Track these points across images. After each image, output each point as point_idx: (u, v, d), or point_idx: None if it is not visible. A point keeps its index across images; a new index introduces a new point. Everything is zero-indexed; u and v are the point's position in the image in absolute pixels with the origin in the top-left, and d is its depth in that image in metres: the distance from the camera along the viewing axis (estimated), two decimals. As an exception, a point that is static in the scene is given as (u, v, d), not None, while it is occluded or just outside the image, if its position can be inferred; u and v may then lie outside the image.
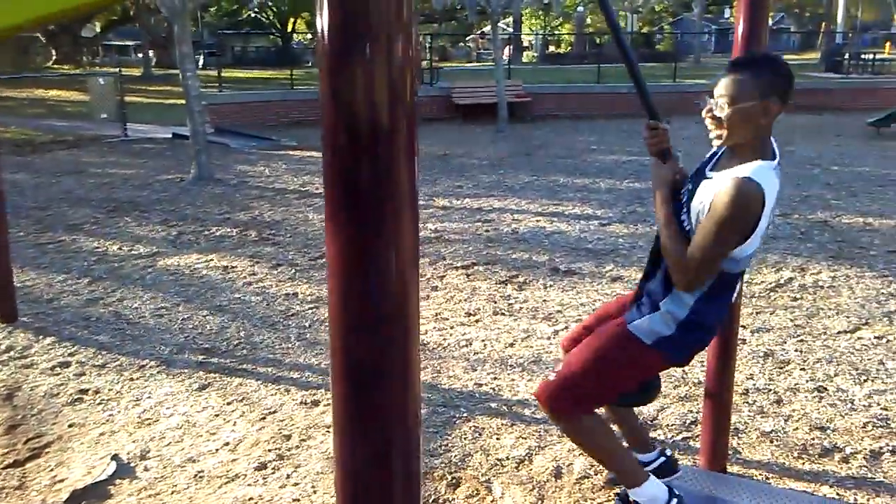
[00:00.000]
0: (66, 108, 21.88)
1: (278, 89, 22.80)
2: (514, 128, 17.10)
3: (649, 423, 4.09)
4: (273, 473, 3.70)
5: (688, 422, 4.11)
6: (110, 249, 7.81)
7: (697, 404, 4.23)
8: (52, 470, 3.81)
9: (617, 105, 19.13)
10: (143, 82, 31.34)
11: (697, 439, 3.84)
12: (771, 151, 2.36)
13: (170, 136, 16.16)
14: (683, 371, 4.64)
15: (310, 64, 37.01)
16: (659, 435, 3.98)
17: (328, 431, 4.03)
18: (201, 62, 31.06)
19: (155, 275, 6.96)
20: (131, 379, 4.79)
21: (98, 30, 42.66)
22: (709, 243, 2.25)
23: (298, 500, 3.48)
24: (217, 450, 3.94)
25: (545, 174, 11.91)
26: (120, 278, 6.83)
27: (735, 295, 2.62)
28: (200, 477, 3.68)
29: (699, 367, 4.68)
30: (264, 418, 4.26)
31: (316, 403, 4.42)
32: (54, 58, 38.93)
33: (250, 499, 3.49)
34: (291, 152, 14.75)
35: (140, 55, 41.85)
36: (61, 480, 3.70)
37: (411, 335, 1.24)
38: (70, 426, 4.24)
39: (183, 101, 12.04)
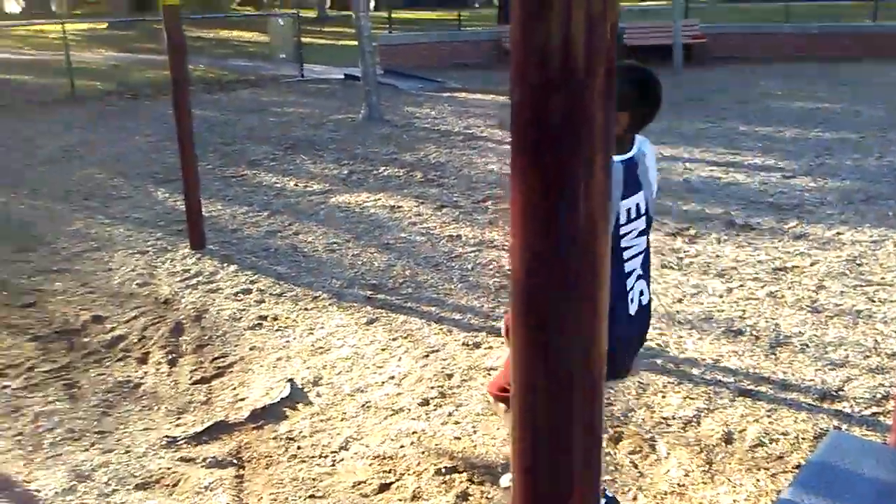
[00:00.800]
0: (248, 48, 23.06)
1: (446, 30, 22.85)
2: (689, 71, 16.19)
3: (833, 393, 3.80)
4: (435, 410, 3.79)
5: (878, 396, 3.77)
6: (287, 185, 8.21)
7: (890, 377, 3.87)
8: (234, 389, 4.10)
9: (807, 47, 17.61)
10: (319, 24, 32.42)
11: (888, 415, 3.52)
12: (625, 149, 2.44)
13: (342, 76, 16.65)
14: (875, 340, 4.26)
15: (476, 5, 36.75)
16: (844, 408, 3.69)
17: (489, 373, 4.06)
18: (373, 3, 31.64)
19: (327, 211, 7.25)
20: (305, 309, 5.05)
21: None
22: None
23: (459, 438, 3.54)
24: (383, 382, 4.08)
25: (722, 121, 11.21)
26: (296, 213, 7.18)
27: (626, 282, 2.54)
28: (368, 407, 3.83)
29: (894, 336, 4.28)
30: (427, 356, 4.35)
31: (477, 345, 4.46)
32: None
33: (413, 432, 3.59)
34: (457, 94, 14.79)
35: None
36: (242, 399, 3.98)
37: (599, 273, 1.16)
38: (251, 349, 4.53)
39: (355, 43, 12.31)
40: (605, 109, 1.13)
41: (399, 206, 7.31)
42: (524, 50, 1.09)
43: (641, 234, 2.55)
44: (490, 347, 4.42)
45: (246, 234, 6.62)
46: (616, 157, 2.33)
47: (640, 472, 3.27)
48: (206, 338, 4.71)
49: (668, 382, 3.97)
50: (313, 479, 3.27)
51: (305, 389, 4.02)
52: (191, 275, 5.70)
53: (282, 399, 3.92)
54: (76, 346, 4.65)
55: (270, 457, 3.44)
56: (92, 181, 8.37)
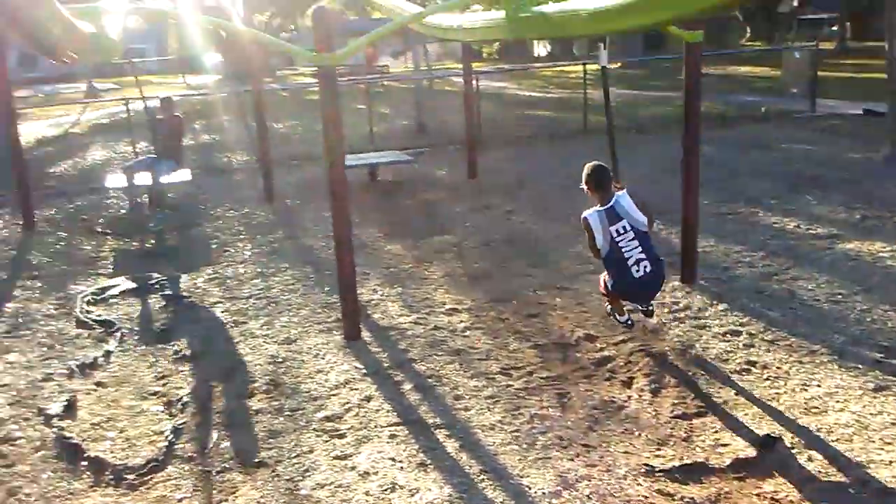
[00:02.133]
0: (755, 83, 22.41)
1: None
2: None
3: None
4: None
5: None
6: (788, 226, 7.70)
7: None
8: (716, 432, 3.96)
9: None
10: (837, 56, 29.98)
11: None
12: (604, 202, 4.68)
13: (860, 112, 15.08)
14: None
15: None
16: None
17: None
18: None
19: (833, 257, 6.60)
20: (800, 361, 4.65)
21: (795, 4, 42.29)
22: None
23: None
24: (891, 462, 3.52)
25: None
26: (796, 256, 6.69)
27: (627, 262, 4.61)
28: (866, 484, 3.34)
29: None
30: None
31: None
32: (748, 34, 40.19)
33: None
34: None
35: (834, 28, 40.06)
36: (724, 444, 3.82)
37: None
38: (736, 394, 4.33)
39: (877, 75, 10.98)
40: None
41: (925, 261, 6.28)
42: None
43: (632, 240, 4.59)
44: None
45: (738, 274, 6.39)
46: (595, 210, 4.68)
47: None
48: (690, 374, 4.65)
49: None
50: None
51: (795, 451, 3.69)
52: (679, 308, 5.70)
53: (768, 455, 3.66)
54: (569, 359, 5.01)
55: (750, 513, 3.23)
56: (594, 208, 8.97)
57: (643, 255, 4.58)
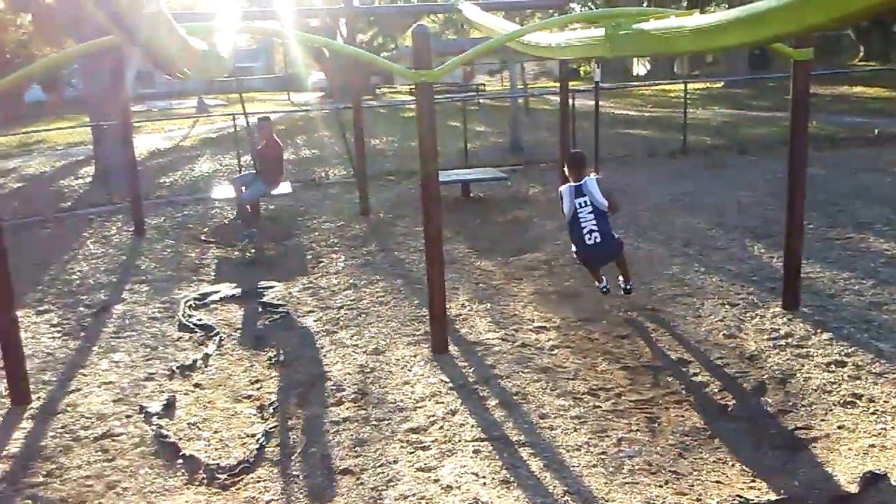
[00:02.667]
0: (868, 104, 21.37)
1: None
2: None
3: None
4: None
5: None
6: (901, 253, 7.28)
7: None
8: (814, 466, 3.77)
9: None
10: (959, 75, 28.23)
11: None
12: (577, 180, 5.83)
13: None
14: None
15: None
16: None
17: None
18: None
19: (951, 288, 6.18)
20: (910, 396, 4.37)
21: (914, 21, 40.07)
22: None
23: None
24: None
25: None
26: (908, 286, 6.31)
27: (583, 231, 5.74)
28: None
29: None
30: None
31: None
32: (861, 54, 38.40)
33: None
34: None
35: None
36: (823, 480, 3.62)
37: None
38: (839, 427, 4.12)
39: None
40: None
41: None
42: None
43: (590, 213, 5.71)
44: None
45: (845, 302, 6.07)
46: (570, 185, 5.84)
47: None
48: (790, 404, 4.44)
49: None
50: None
51: (903, 490, 3.47)
52: (780, 335, 5.47)
53: (871, 492, 3.45)
54: (661, 382, 4.88)
55: (851, 554, 3.05)
56: (692, 230, 8.73)
57: (595, 228, 5.71)
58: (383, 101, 31.61)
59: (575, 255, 6.07)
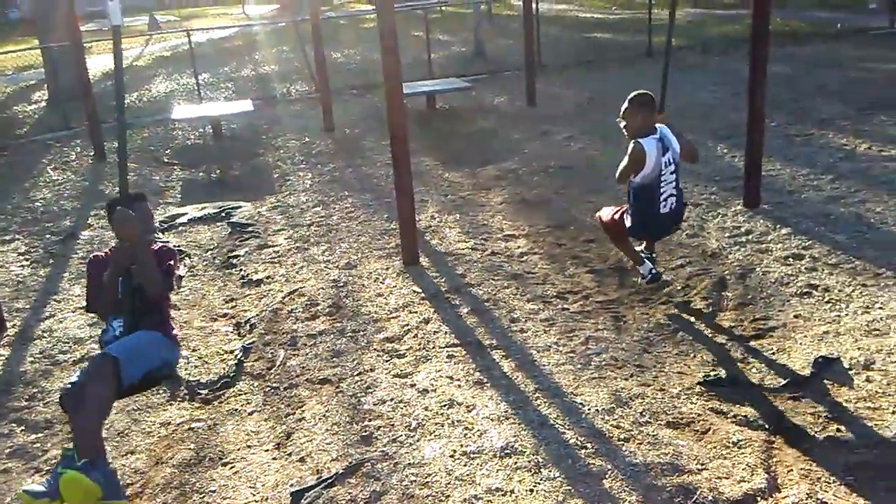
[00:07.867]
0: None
1: None
2: None
3: None
4: None
5: None
6: (859, 148, 7.43)
7: None
8: (772, 353, 3.96)
9: None
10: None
11: None
12: (652, 131, 4.38)
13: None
14: None
15: None
16: None
17: None
18: None
19: (906, 180, 6.37)
20: (864, 284, 4.56)
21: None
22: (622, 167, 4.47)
23: None
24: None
25: None
26: (866, 179, 6.47)
27: (661, 196, 4.43)
28: (928, 407, 3.32)
29: None
30: None
31: None
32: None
33: None
34: None
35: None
36: (780, 365, 3.82)
37: None
38: (795, 317, 4.30)
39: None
40: None
41: None
42: None
43: (673, 172, 4.43)
44: None
45: (804, 198, 6.23)
46: (651, 137, 4.34)
47: None
48: (749, 297, 4.62)
49: None
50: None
51: (853, 371, 3.66)
52: (741, 232, 5.62)
53: (824, 375, 3.65)
54: (626, 283, 5.03)
55: (806, 432, 3.25)
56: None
57: (675, 191, 4.46)
58: (342, 11, 30.66)
59: (631, 230, 4.58)
